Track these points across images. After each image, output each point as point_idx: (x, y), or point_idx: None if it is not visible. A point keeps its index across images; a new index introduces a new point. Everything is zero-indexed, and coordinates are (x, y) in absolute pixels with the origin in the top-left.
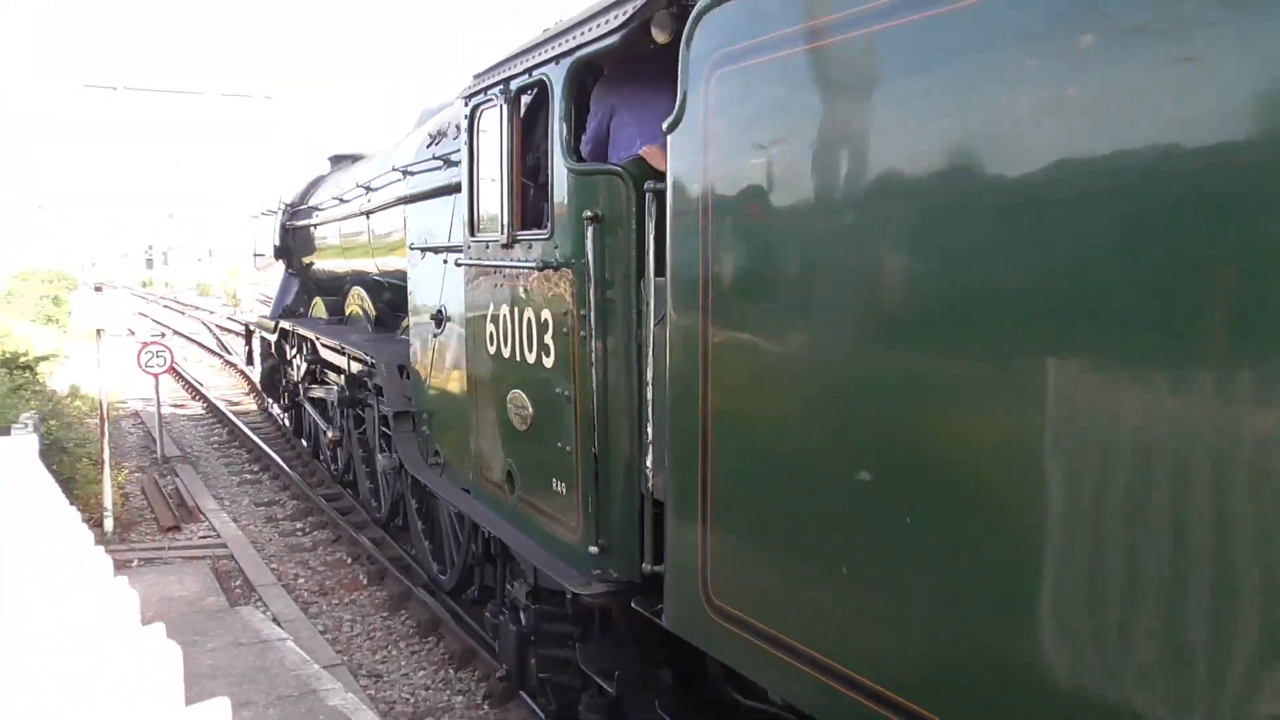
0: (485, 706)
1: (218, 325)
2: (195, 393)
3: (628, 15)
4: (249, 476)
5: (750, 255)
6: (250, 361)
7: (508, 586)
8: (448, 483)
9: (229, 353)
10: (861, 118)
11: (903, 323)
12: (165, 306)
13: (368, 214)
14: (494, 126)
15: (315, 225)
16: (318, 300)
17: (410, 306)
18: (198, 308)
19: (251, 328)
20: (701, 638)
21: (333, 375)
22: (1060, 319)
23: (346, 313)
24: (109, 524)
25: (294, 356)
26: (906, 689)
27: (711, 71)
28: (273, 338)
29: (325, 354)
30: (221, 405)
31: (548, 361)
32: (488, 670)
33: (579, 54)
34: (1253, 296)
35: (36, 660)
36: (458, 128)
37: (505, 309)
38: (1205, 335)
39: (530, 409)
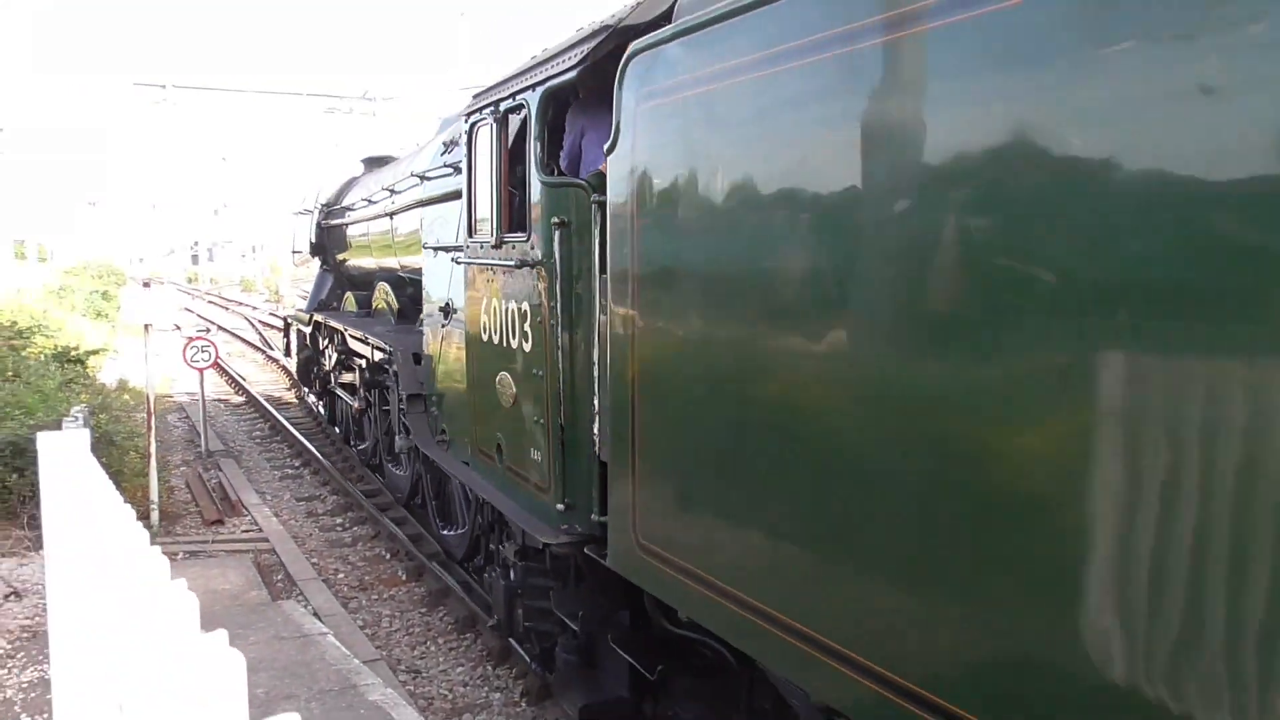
0: (522, 704)
1: (260, 321)
2: (238, 387)
3: (582, 55)
4: (290, 471)
5: (663, 255)
6: (288, 353)
7: (500, 547)
8: (451, 457)
9: (271, 348)
10: (732, 147)
11: (770, 311)
12: (210, 302)
13: (391, 215)
14: (486, 142)
15: (347, 225)
16: (349, 295)
17: (424, 300)
18: (241, 303)
19: (289, 321)
20: (633, 572)
21: (359, 363)
22: (860, 303)
23: (374, 307)
24: (155, 517)
25: (326, 347)
26: (769, 598)
27: (636, 106)
28: (307, 330)
29: (353, 344)
30: (264, 400)
31: (527, 347)
32: (525, 668)
33: (548, 84)
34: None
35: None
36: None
37: (496, 302)
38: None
39: (514, 389)
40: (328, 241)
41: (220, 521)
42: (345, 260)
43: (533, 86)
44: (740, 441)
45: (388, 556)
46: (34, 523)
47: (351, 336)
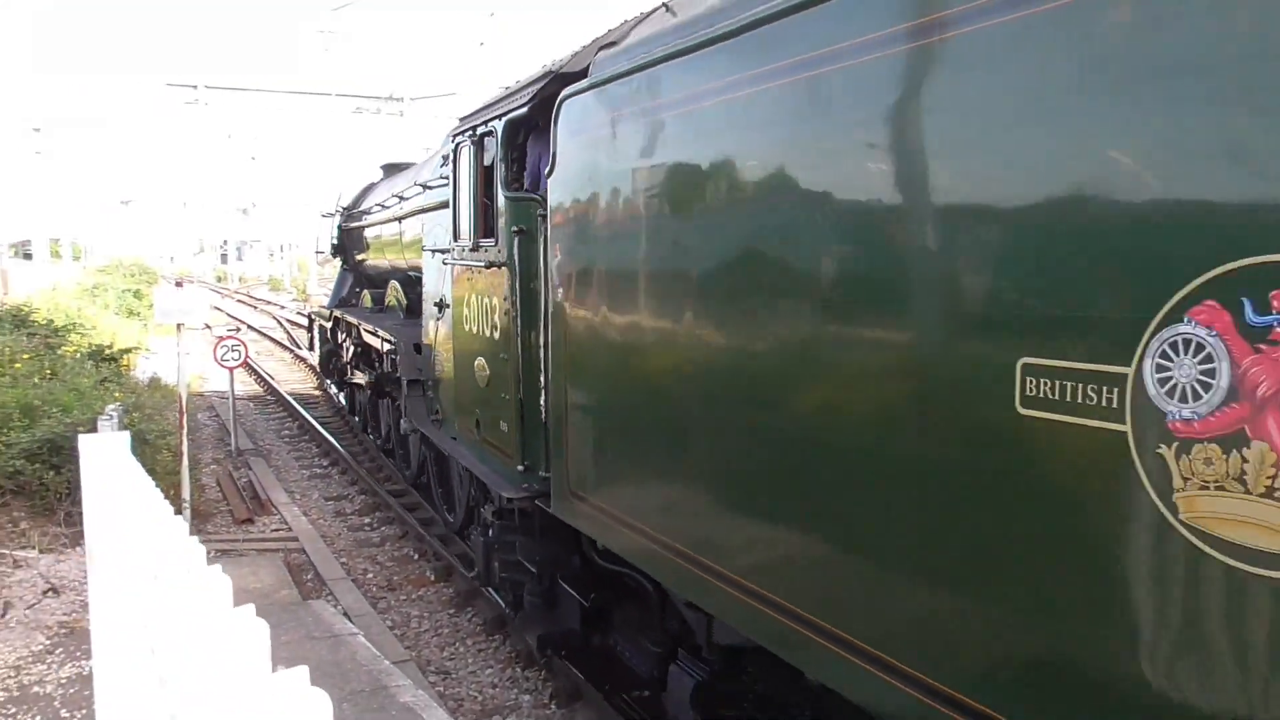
0: (552, 706)
1: (288, 320)
2: (267, 386)
3: (531, 95)
4: (319, 470)
5: (581, 257)
6: (311, 347)
7: (481, 510)
8: (443, 434)
9: (299, 347)
10: (622, 175)
11: (649, 301)
12: (239, 301)
13: (399, 219)
14: (466, 160)
15: (364, 227)
16: (365, 292)
17: (424, 296)
18: (269, 302)
19: (312, 316)
20: (566, 514)
21: (373, 354)
22: (704, 293)
23: (386, 303)
24: (187, 515)
25: (344, 341)
26: (658, 527)
27: (566, 139)
28: (328, 325)
29: (366, 337)
30: (292, 399)
31: (496, 336)
32: (554, 670)
33: (509, 115)
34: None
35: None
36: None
37: (474, 297)
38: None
39: (487, 371)
40: (348, 242)
41: (250, 520)
42: (363, 260)
43: (499, 116)
44: (633, 405)
45: (415, 557)
46: (70, 519)
47: (365, 330)
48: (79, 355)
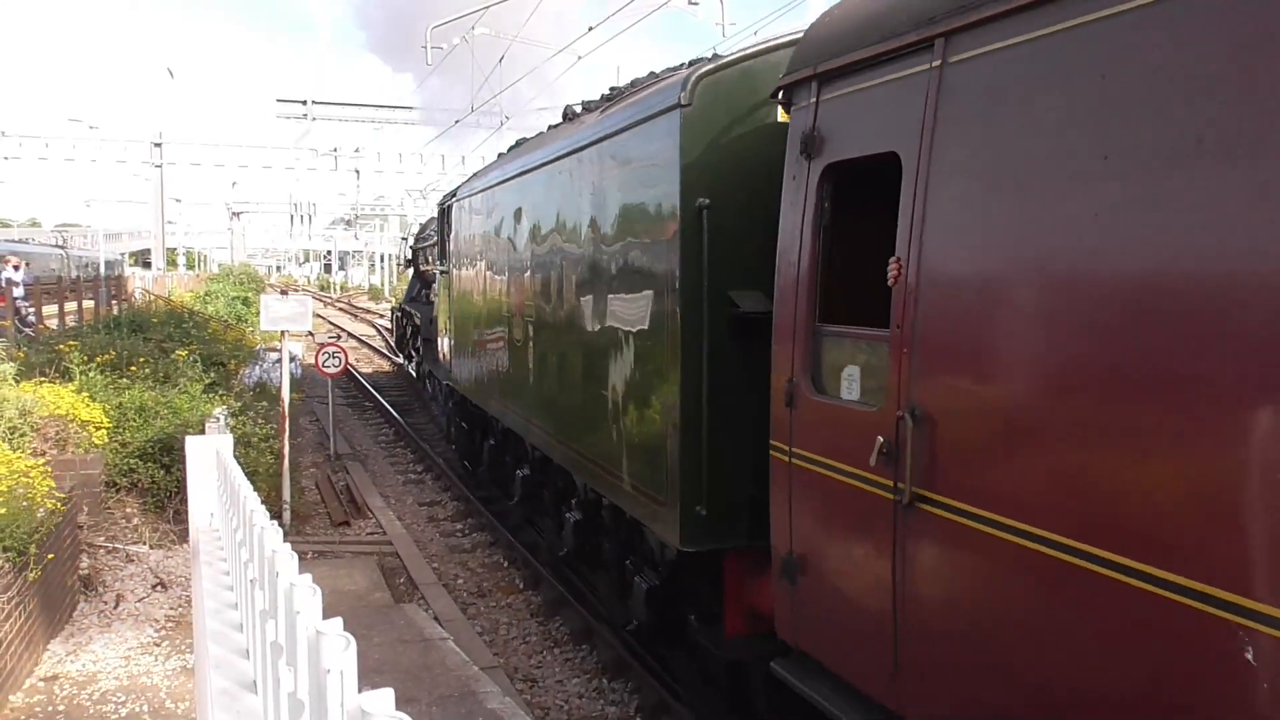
0: (638, 718)
1: (386, 328)
2: (366, 393)
3: (446, 195)
4: (413, 476)
5: (460, 260)
6: (393, 333)
7: (449, 407)
8: (439, 368)
9: (398, 355)
10: (477, 225)
11: (487, 280)
12: (340, 309)
13: (429, 246)
14: (440, 217)
15: (419, 248)
16: (422, 290)
17: (433, 292)
18: (369, 311)
19: (392, 309)
20: (454, 389)
21: (416, 326)
22: (511, 285)
23: (430, 298)
24: (287, 517)
25: (407, 324)
26: (490, 395)
27: (454, 217)
28: (400, 315)
29: (415, 318)
30: (389, 406)
31: (443, 309)
32: (640, 683)
33: (442, 205)
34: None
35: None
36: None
37: (444, 291)
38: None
39: (442, 329)
40: (416, 259)
41: (347, 523)
42: (423, 271)
43: (448, 196)
44: (476, 336)
45: (505, 564)
46: (179, 517)
47: (411, 312)
48: (191, 359)
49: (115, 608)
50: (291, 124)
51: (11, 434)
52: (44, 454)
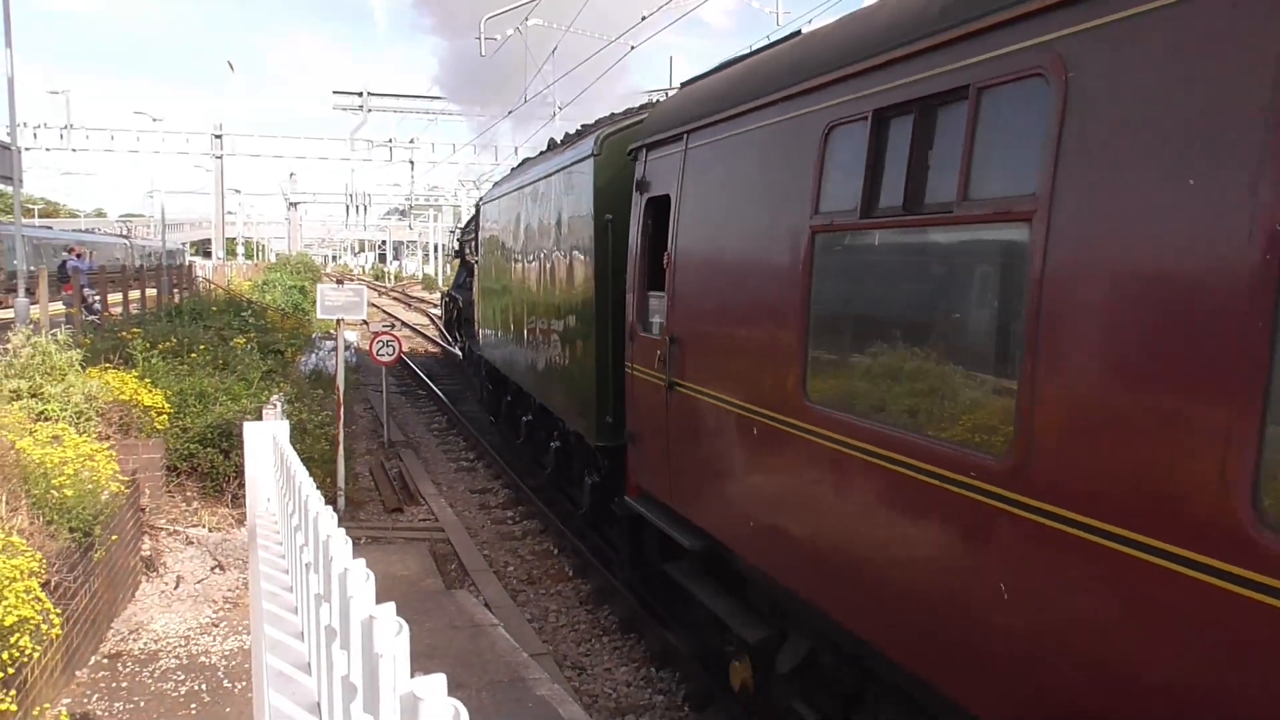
0: (685, 708)
1: (439, 317)
2: (419, 381)
3: (478, 201)
4: (465, 464)
5: (485, 252)
6: (442, 315)
7: (478, 355)
8: (472, 333)
9: (451, 345)
10: (494, 224)
11: (507, 270)
12: (395, 298)
13: (472, 238)
14: (475, 215)
15: (465, 239)
16: (466, 278)
17: (474, 277)
18: (422, 300)
19: (440, 294)
20: (480, 357)
21: (460, 308)
22: (521, 275)
23: (472, 283)
24: (341, 502)
25: (453, 308)
26: (506, 363)
27: (484, 212)
28: (447, 299)
29: (458, 299)
30: (442, 394)
31: (476, 295)
32: (688, 671)
33: (478, 204)
34: None
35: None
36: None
37: (476, 278)
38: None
39: (479, 311)
40: (462, 248)
41: (400, 510)
42: (466, 260)
43: (479, 201)
44: (498, 313)
45: (555, 552)
46: (236, 501)
47: (455, 297)
48: (249, 347)
49: (175, 588)
50: (348, 116)
51: (78, 418)
52: (108, 438)
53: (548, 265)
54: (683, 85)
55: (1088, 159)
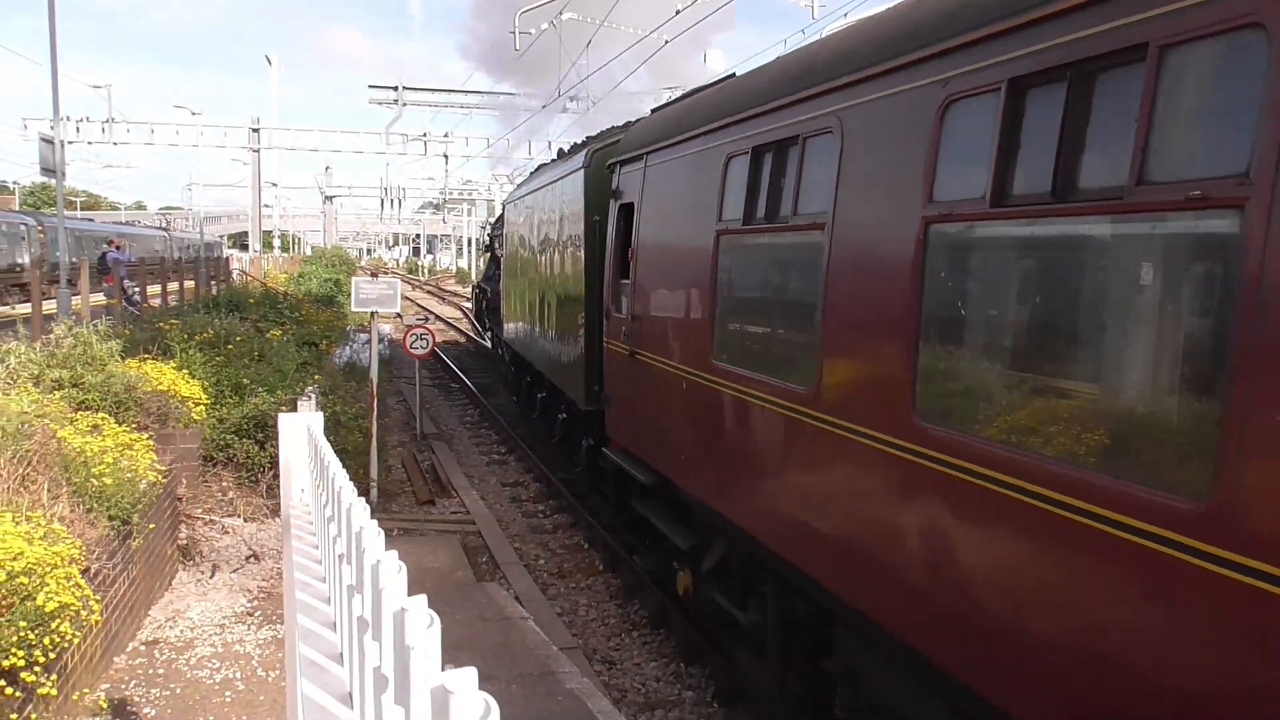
0: (714, 704)
1: (471, 310)
2: (452, 374)
3: (504, 201)
4: (497, 457)
5: (508, 247)
6: (473, 306)
7: (501, 338)
8: (498, 318)
9: (483, 337)
10: (513, 223)
11: (523, 262)
12: (429, 292)
13: (497, 235)
14: (501, 213)
15: (495, 234)
16: (495, 271)
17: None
18: (455, 294)
19: (472, 287)
20: (508, 359)
21: (487, 296)
22: (539, 268)
23: (498, 275)
24: (374, 494)
25: (482, 299)
26: (518, 341)
27: (507, 212)
28: (478, 291)
29: (486, 290)
30: (474, 388)
31: (502, 286)
32: (716, 668)
33: (503, 202)
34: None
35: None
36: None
37: (502, 271)
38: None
39: (503, 301)
40: (492, 244)
41: (431, 502)
42: (495, 254)
43: (505, 200)
44: (517, 300)
45: (585, 546)
46: (271, 491)
47: (485, 289)
48: (284, 339)
49: (211, 577)
50: (383, 110)
51: (118, 408)
52: (147, 428)
53: (552, 259)
54: (652, 111)
55: None
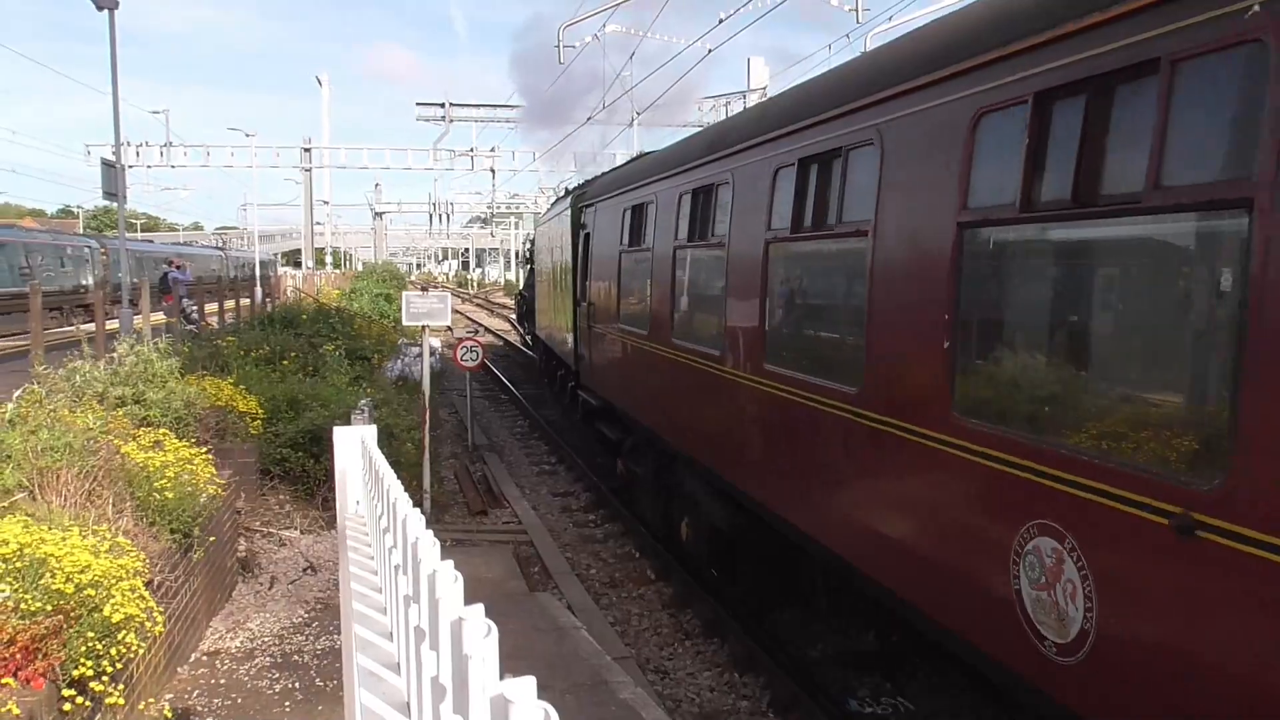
0: (770, 714)
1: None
2: (502, 386)
3: (535, 224)
4: (547, 467)
5: (537, 261)
6: (515, 311)
7: (535, 330)
8: (534, 328)
9: (530, 349)
10: (539, 242)
11: (546, 279)
12: (478, 305)
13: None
14: (529, 246)
15: (531, 250)
16: (532, 280)
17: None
18: (504, 307)
19: (515, 294)
20: (541, 351)
21: (526, 303)
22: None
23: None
24: (427, 505)
25: (523, 304)
26: (546, 327)
27: (537, 226)
28: (518, 296)
29: (527, 298)
30: (524, 399)
31: (536, 291)
32: (771, 677)
33: (532, 230)
34: None
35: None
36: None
37: (537, 280)
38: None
39: (535, 303)
40: (532, 256)
41: (484, 513)
42: (532, 266)
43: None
44: (543, 302)
45: (637, 555)
46: (327, 504)
47: (525, 295)
48: (338, 354)
49: (270, 589)
50: (431, 127)
51: (178, 424)
52: (205, 443)
53: (557, 267)
54: (602, 175)
55: None
